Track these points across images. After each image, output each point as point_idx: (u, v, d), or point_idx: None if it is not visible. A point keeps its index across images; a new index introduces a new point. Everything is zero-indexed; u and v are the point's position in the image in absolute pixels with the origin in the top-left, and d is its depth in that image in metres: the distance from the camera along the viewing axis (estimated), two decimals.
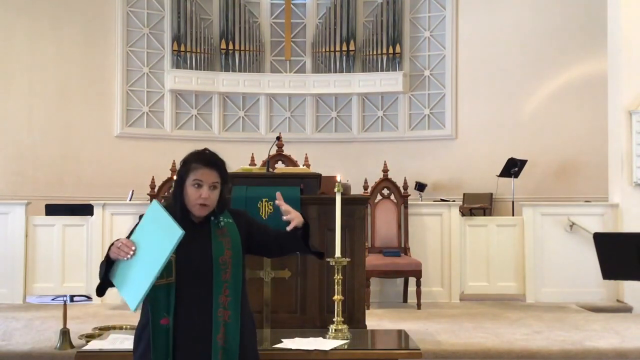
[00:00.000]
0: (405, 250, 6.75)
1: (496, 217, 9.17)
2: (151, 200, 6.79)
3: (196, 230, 2.43)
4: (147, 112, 11.10)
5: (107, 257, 2.34)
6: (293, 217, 2.50)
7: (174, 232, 2.24)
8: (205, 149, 2.54)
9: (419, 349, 3.31)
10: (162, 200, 2.53)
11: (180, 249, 2.29)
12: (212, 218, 2.47)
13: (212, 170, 2.44)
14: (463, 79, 11.05)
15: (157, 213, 2.35)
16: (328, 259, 3.57)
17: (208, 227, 2.46)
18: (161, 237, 2.27)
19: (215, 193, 2.45)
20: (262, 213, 4.59)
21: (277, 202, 2.51)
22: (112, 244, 2.34)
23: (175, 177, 2.53)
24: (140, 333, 2.43)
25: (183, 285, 2.37)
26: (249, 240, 2.56)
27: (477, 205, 10.24)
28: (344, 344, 3.37)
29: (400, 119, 11.41)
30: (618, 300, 6.70)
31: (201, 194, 2.41)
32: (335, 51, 11.44)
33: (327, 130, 11.59)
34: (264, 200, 4.59)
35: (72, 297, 7.06)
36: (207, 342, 2.35)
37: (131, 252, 2.28)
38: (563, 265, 6.79)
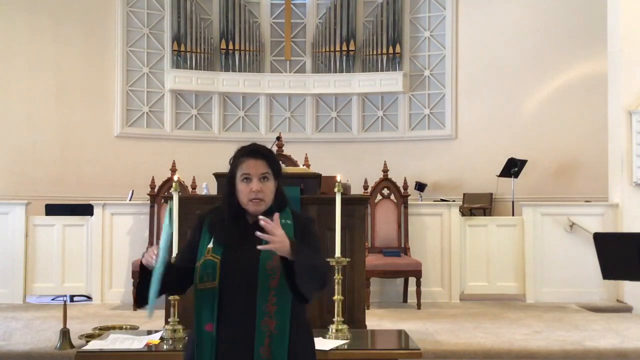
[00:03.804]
0: (405, 250, 6.75)
1: (496, 217, 9.16)
2: (151, 201, 6.82)
3: (249, 232, 2.23)
4: (147, 112, 11.10)
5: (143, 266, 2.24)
6: (274, 242, 2.10)
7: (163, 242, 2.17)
8: (252, 143, 2.39)
9: (419, 349, 3.31)
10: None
11: (227, 252, 2.21)
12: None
13: (258, 160, 2.29)
14: (463, 79, 11.05)
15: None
16: (328, 259, 3.58)
17: (262, 229, 2.23)
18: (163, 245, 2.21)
19: (268, 186, 2.28)
20: None
21: (261, 221, 2.12)
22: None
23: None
24: (190, 337, 2.34)
25: (226, 290, 2.21)
26: None
27: (477, 205, 10.24)
28: (344, 344, 3.37)
29: (400, 119, 11.41)
30: (618, 300, 6.70)
31: (252, 188, 2.25)
32: (335, 51, 11.44)
33: (327, 130, 11.59)
34: None
35: (72, 297, 7.06)
36: (250, 353, 2.19)
37: (153, 256, 2.18)
38: (563, 265, 6.79)
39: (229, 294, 2.22)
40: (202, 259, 2.25)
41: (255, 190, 2.25)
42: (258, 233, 2.08)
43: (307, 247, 2.26)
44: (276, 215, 2.15)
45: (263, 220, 2.10)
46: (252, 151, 2.32)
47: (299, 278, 2.10)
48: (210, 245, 2.26)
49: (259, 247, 2.11)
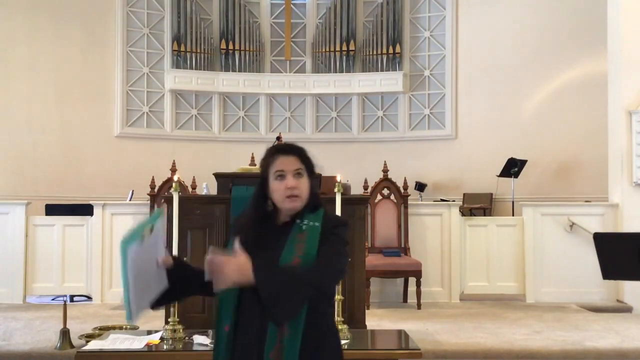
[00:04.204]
0: (405, 250, 6.75)
1: (496, 217, 9.16)
2: (151, 201, 6.81)
3: (276, 235, 2.19)
4: (147, 112, 11.10)
5: None
6: (227, 276, 1.94)
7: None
8: (281, 142, 2.35)
9: (419, 349, 3.31)
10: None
11: (250, 254, 2.08)
12: (298, 221, 2.20)
13: (290, 156, 2.22)
14: (463, 79, 11.05)
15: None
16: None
17: (290, 231, 2.18)
18: None
19: (303, 182, 2.20)
20: None
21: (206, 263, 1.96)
22: None
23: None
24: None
25: (245, 292, 2.12)
26: None
27: (477, 205, 10.24)
28: (344, 344, 3.37)
29: (400, 119, 11.41)
30: (618, 300, 6.70)
31: (287, 184, 2.17)
32: (335, 51, 11.44)
33: (327, 130, 11.59)
34: None
35: (72, 297, 7.06)
36: (261, 356, 2.12)
37: None
38: (563, 265, 6.79)
39: (248, 297, 2.13)
40: None
41: (290, 186, 2.18)
42: (207, 275, 1.93)
43: (318, 259, 2.12)
44: (236, 242, 2.00)
45: (210, 259, 1.93)
46: (284, 148, 2.26)
47: (264, 303, 1.98)
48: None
49: (206, 278, 1.95)
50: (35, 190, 9.66)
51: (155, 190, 6.84)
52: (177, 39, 11.12)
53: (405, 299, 6.70)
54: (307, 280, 2.08)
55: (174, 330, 3.50)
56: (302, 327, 2.13)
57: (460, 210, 7.20)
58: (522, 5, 10.72)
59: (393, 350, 3.39)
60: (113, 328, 4.72)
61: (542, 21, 10.56)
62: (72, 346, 4.50)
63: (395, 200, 6.97)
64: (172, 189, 3.69)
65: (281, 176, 2.19)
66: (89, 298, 6.83)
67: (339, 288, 3.57)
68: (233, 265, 1.95)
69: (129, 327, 4.82)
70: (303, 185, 2.20)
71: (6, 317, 5.80)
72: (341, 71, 11.43)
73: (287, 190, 2.17)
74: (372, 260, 6.25)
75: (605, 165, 7.15)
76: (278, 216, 2.24)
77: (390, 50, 11.24)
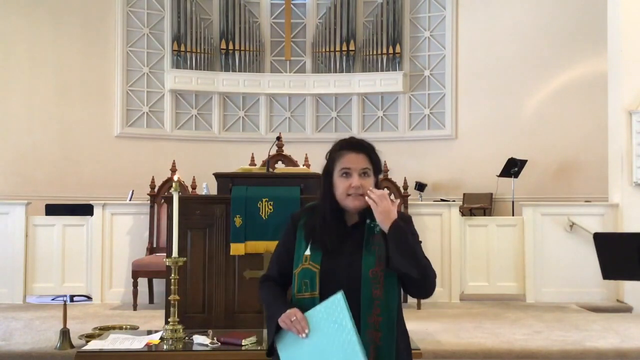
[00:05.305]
0: None
1: (496, 217, 9.16)
2: (151, 201, 6.81)
3: (348, 236, 2.14)
4: (147, 112, 11.10)
5: (275, 321, 2.11)
6: (377, 209, 2.08)
7: (354, 356, 1.98)
8: (351, 137, 2.25)
9: (419, 349, 3.30)
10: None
11: (327, 260, 2.08)
12: (368, 221, 2.15)
13: (359, 154, 2.15)
14: (463, 79, 11.06)
15: (342, 314, 2.02)
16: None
17: (362, 233, 2.14)
18: (339, 345, 2.01)
19: (369, 182, 2.15)
20: (262, 213, 4.60)
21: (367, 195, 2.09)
22: (284, 311, 2.10)
23: (321, 175, 2.23)
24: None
25: (326, 298, 2.05)
26: None
27: (477, 205, 10.24)
28: None
29: (400, 119, 11.41)
30: (618, 300, 6.69)
31: (351, 183, 2.12)
32: (335, 51, 11.44)
33: (327, 130, 11.59)
34: (264, 200, 4.59)
35: (72, 297, 7.06)
36: None
37: (304, 334, 2.04)
38: (563, 265, 6.78)
39: None
40: (300, 267, 2.13)
41: (355, 186, 2.12)
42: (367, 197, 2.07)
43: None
44: (385, 192, 2.11)
45: (370, 192, 2.08)
46: (353, 144, 2.18)
47: (392, 253, 2.02)
48: (308, 252, 2.14)
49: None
50: (35, 190, 9.66)
51: (155, 190, 6.84)
52: (177, 39, 11.12)
53: (405, 299, 6.69)
54: (423, 260, 2.11)
55: (174, 330, 3.49)
56: (396, 330, 2.09)
57: (460, 210, 7.19)
58: (522, 5, 10.73)
59: None
60: (113, 328, 4.72)
61: (542, 21, 10.56)
62: (72, 346, 4.50)
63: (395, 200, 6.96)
64: (172, 189, 3.69)
65: (347, 174, 2.14)
66: (89, 298, 6.83)
67: None
68: (385, 206, 2.06)
69: (129, 327, 4.82)
70: (368, 186, 2.15)
71: (6, 317, 5.80)
72: (341, 71, 11.44)
73: (351, 189, 2.13)
74: None
75: (605, 165, 7.15)
76: (345, 216, 2.18)
77: (390, 50, 11.24)
